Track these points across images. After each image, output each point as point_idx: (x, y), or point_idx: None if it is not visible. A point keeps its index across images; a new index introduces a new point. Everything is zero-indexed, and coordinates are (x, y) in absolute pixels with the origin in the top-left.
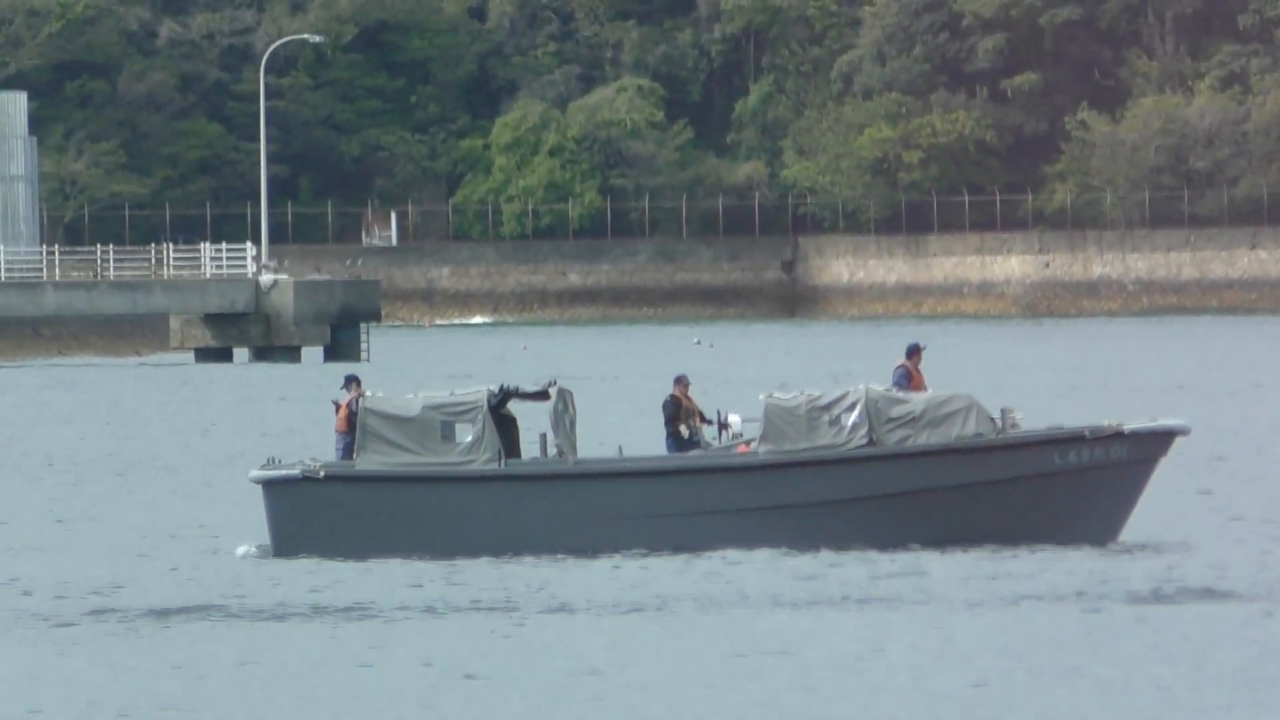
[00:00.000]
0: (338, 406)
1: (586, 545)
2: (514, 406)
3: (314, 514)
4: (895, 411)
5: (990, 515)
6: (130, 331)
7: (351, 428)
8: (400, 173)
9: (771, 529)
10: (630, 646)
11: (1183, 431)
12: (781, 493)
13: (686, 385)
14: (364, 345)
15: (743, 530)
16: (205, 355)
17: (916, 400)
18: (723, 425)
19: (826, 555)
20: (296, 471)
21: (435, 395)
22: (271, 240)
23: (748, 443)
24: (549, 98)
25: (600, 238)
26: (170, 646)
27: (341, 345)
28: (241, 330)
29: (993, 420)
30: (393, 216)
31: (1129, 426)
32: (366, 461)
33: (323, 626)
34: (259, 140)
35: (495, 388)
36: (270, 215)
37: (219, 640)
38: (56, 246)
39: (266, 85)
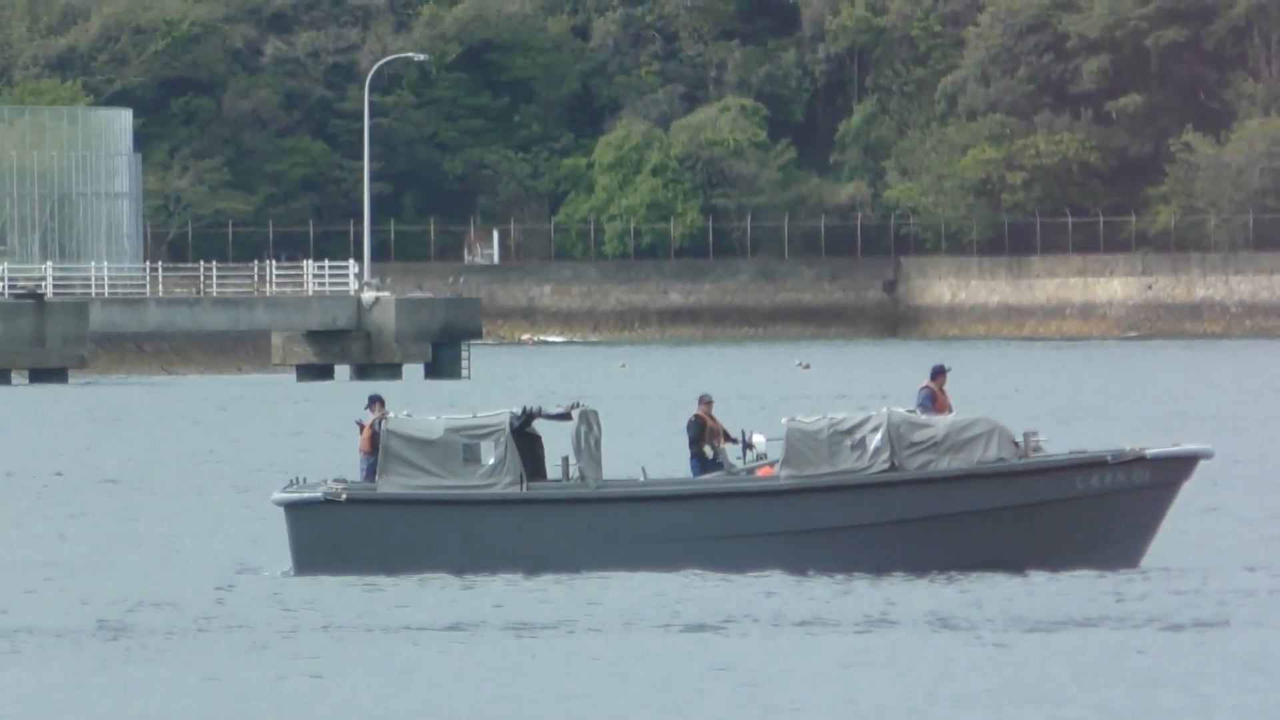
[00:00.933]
0: (361, 427)
1: (608, 568)
2: (540, 426)
3: (335, 536)
4: (917, 436)
5: (1012, 540)
6: (232, 348)
7: (375, 448)
8: (503, 191)
9: (793, 553)
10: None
11: (1206, 456)
12: (803, 517)
13: (710, 405)
14: (464, 363)
15: (764, 554)
16: (307, 372)
17: (939, 424)
18: (747, 445)
19: (844, 580)
20: (318, 494)
21: (458, 418)
22: (374, 258)
23: (772, 464)
24: (652, 117)
25: (702, 257)
26: (188, 664)
27: (442, 363)
28: (343, 347)
29: (1016, 444)
30: (495, 235)
31: (1151, 451)
32: (388, 484)
33: (344, 644)
34: (362, 158)
35: (519, 409)
36: (373, 233)
37: (240, 658)
38: (160, 263)
39: (371, 103)
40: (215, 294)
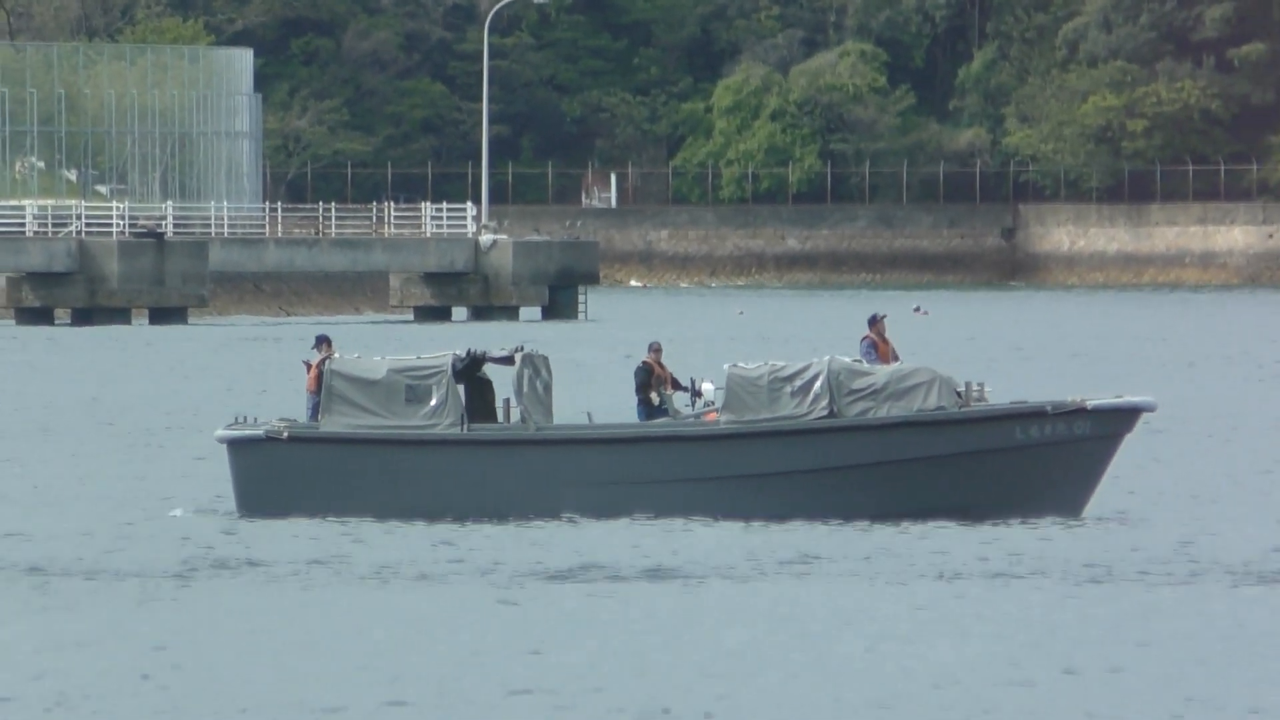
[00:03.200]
0: (309, 366)
1: (546, 511)
2: (490, 370)
3: (277, 474)
4: (857, 383)
5: (951, 488)
6: (350, 289)
7: (320, 388)
8: (621, 134)
9: (731, 498)
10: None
11: (1148, 408)
12: (741, 462)
13: (660, 352)
14: (581, 306)
15: (702, 499)
16: (424, 314)
17: (879, 372)
18: (695, 393)
19: (800, 526)
20: (260, 432)
21: (401, 359)
22: (491, 200)
23: (717, 410)
24: (771, 61)
25: (820, 203)
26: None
27: (559, 305)
28: (460, 289)
29: (957, 394)
30: (612, 178)
31: (1092, 402)
32: (331, 423)
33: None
34: (481, 100)
35: (463, 352)
36: (491, 175)
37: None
38: (279, 203)
39: (490, 45)
40: (334, 235)
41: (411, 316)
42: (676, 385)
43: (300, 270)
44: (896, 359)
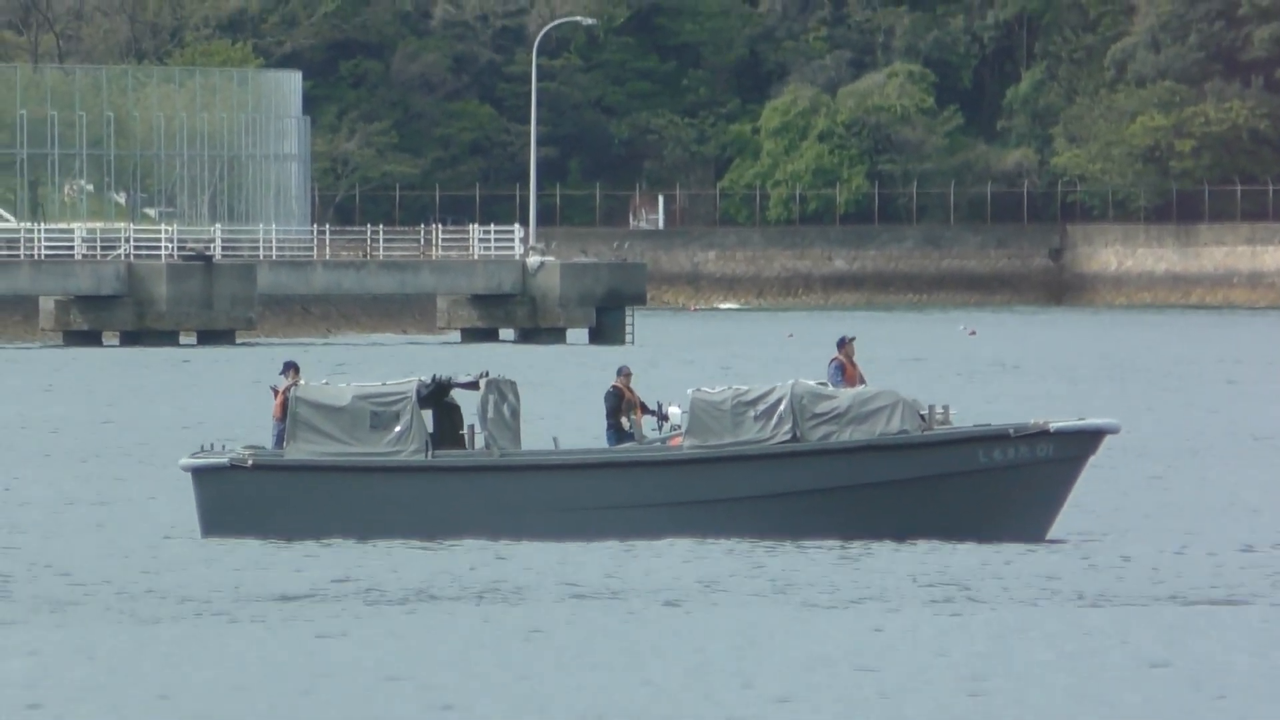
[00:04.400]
0: (275, 392)
1: (510, 537)
2: (459, 396)
3: (241, 502)
4: (820, 407)
5: (915, 512)
6: (398, 311)
7: (286, 415)
8: (669, 156)
9: (695, 523)
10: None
11: (1111, 430)
12: (704, 487)
13: (629, 377)
14: (628, 328)
15: (666, 524)
16: (471, 336)
17: (843, 396)
18: (662, 417)
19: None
20: (225, 460)
21: (366, 385)
22: (539, 222)
23: (682, 434)
24: (819, 82)
25: (867, 223)
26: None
27: (606, 327)
28: (508, 311)
29: (921, 417)
30: (660, 200)
31: (1054, 425)
32: (296, 450)
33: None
34: (530, 122)
35: (428, 378)
36: (539, 197)
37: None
38: (327, 226)
39: (538, 67)
40: (381, 257)
41: (459, 338)
42: (645, 410)
43: (348, 292)
44: (863, 382)
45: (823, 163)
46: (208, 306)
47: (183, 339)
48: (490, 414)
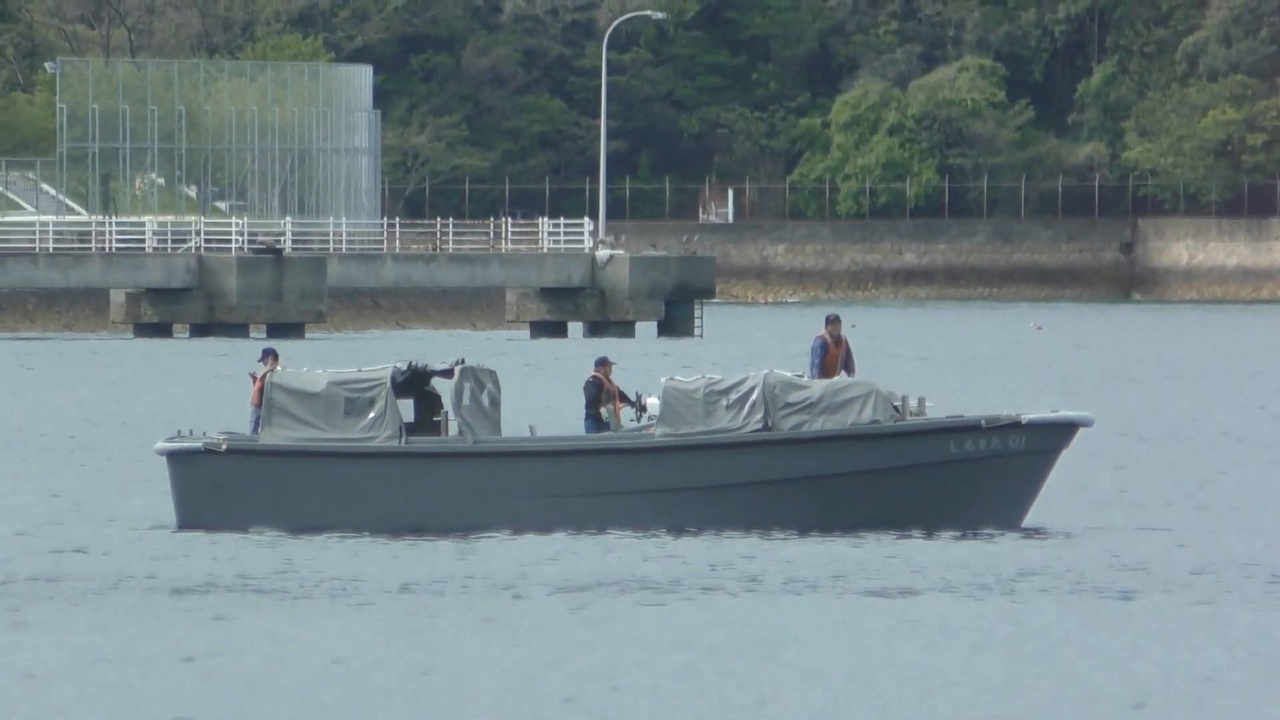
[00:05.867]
0: (254, 379)
1: (483, 524)
2: (440, 385)
3: (216, 487)
4: (792, 397)
5: (886, 502)
6: (467, 304)
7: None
8: (738, 150)
9: (667, 511)
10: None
11: (1085, 423)
12: (675, 475)
13: (609, 367)
14: (697, 321)
15: (638, 512)
16: (540, 329)
17: (815, 386)
18: (640, 408)
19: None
20: (198, 444)
21: (341, 372)
22: (609, 216)
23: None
24: (889, 76)
25: (937, 217)
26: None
27: (675, 321)
28: (577, 305)
29: (895, 408)
30: (730, 194)
31: (1027, 417)
32: (270, 436)
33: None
34: (599, 116)
35: (404, 365)
36: (608, 191)
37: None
38: (397, 219)
39: (608, 61)
40: (451, 250)
41: (528, 332)
42: (625, 400)
43: (417, 285)
44: (849, 363)
45: (893, 156)
46: (277, 299)
47: (252, 332)
48: (466, 401)
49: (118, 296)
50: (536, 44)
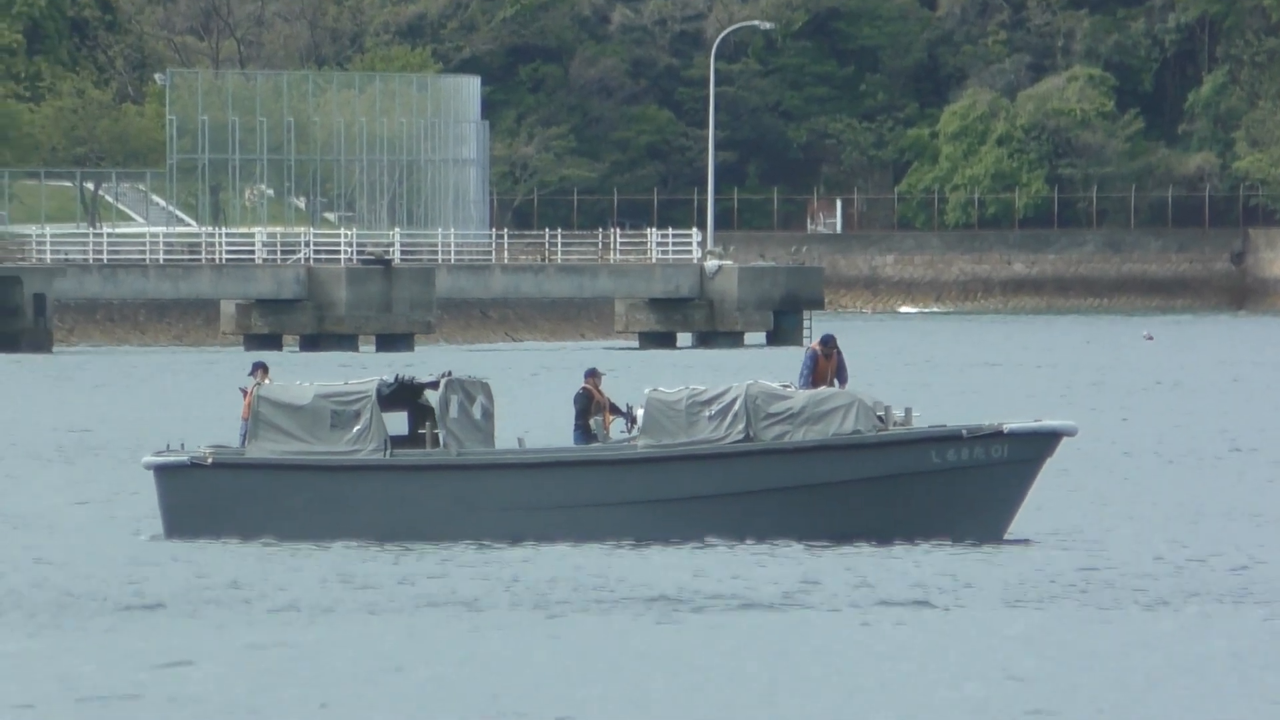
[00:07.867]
0: (244, 393)
1: (468, 535)
2: (433, 397)
3: (203, 500)
4: (774, 408)
5: (868, 512)
6: (576, 315)
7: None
8: (847, 160)
9: (650, 522)
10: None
11: (1068, 433)
12: (658, 486)
13: (599, 379)
14: (806, 331)
15: (621, 523)
16: (649, 340)
17: (798, 397)
18: (631, 419)
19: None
20: (185, 458)
21: (328, 384)
22: (717, 226)
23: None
24: (998, 86)
25: (1046, 227)
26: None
27: (784, 331)
28: (685, 315)
29: (879, 418)
30: (838, 204)
31: (1009, 426)
32: (257, 449)
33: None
34: (707, 126)
35: (390, 378)
36: (716, 201)
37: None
38: (506, 230)
39: (716, 71)
40: (559, 261)
41: (636, 343)
42: (615, 411)
43: (526, 296)
44: (842, 375)
45: (1001, 167)
46: (387, 310)
47: (361, 343)
48: (453, 414)
49: (228, 308)
50: (644, 54)
